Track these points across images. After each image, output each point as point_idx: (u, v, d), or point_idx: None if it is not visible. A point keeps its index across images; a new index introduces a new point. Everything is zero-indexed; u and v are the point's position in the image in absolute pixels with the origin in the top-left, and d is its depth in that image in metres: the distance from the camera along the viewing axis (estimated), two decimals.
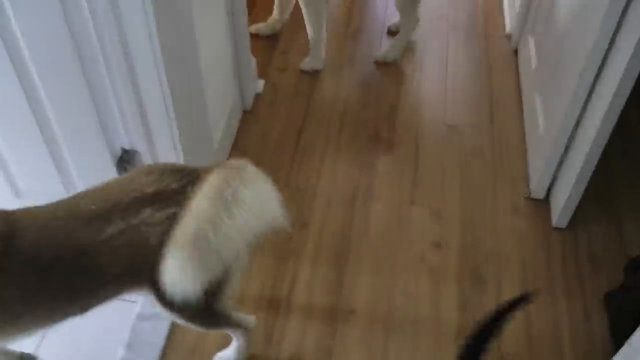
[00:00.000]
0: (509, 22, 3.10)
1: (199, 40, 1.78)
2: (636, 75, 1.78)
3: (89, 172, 1.83)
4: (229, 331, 1.72)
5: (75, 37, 1.51)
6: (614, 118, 1.90)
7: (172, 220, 1.29)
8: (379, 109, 2.70)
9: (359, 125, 2.61)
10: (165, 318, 1.60)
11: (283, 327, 1.93)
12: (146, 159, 1.85)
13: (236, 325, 1.68)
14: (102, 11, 1.45)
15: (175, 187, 1.34)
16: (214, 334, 1.88)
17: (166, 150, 1.83)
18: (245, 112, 2.62)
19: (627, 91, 1.82)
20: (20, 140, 1.76)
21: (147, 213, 1.31)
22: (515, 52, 2.97)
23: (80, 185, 1.84)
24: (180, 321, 1.52)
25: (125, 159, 1.84)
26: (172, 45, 1.60)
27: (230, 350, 1.79)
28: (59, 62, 1.56)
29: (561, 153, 2.18)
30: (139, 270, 1.36)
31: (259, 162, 2.35)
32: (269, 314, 1.96)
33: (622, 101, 1.85)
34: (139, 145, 1.81)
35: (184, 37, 1.68)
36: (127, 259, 1.34)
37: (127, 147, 1.82)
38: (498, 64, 2.93)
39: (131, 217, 1.31)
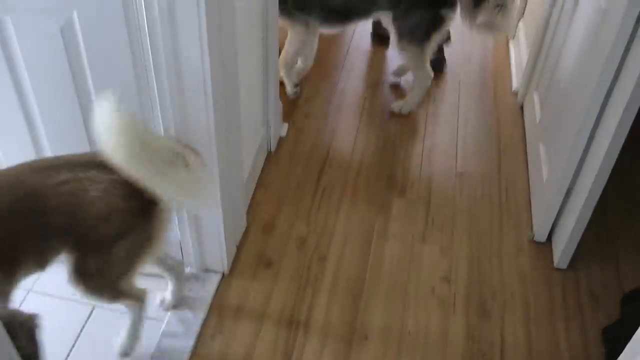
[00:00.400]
0: (516, 80, 3.34)
1: (240, 81, 2.01)
2: (629, 127, 1.98)
3: None
4: (125, 305, 1.90)
5: (136, 61, 1.72)
6: (610, 166, 2.08)
7: (114, 183, 1.56)
8: (394, 155, 2.90)
9: (376, 170, 2.81)
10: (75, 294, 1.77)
11: (302, 347, 2.08)
12: None
13: (135, 298, 1.88)
14: (162, 50, 1.67)
15: None
16: (238, 353, 2.03)
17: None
18: (269, 153, 2.83)
19: (621, 141, 2.01)
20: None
21: (93, 173, 1.57)
22: (521, 107, 3.20)
23: None
24: (84, 293, 1.73)
25: None
26: (219, 78, 1.80)
27: (124, 332, 1.97)
28: (118, 76, 1.77)
29: (562, 199, 2.36)
30: (75, 221, 1.59)
31: (281, 199, 2.57)
32: (288, 334, 2.11)
33: (616, 150, 2.04)
34: None
35: (228, 74, 1.90)
36: (69, 206, 1.56)
37: None
38: (505, 118, 3.15)
39: (79, 172, 1.57)
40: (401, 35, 2.94)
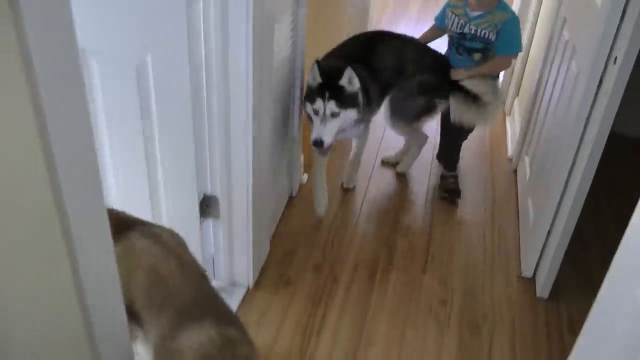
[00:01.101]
0: (511, 148, 3.78)
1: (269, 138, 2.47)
2: (593, 172, 2.38)
3: (176, 213, 2.39)
4: None
5: (193, 95, 2.15)
6: (578, 209, 2.49)
7: None
8: (399, 204, 3.30)
9: (383, 214, 3.20)
10: None
11: (313, 351, 2.40)
12: (222, 206, 2.42)
13: None
14: (214, 79, 2.12)
15: None
16: None
17: (239, 201, 2.41)
18: (291, 197, 3.24)
19: (587, 184, 2.42)
20: (128, 175, 2.25)
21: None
22: (515, 171, 3.61)
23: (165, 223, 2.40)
24: None
25: (206, 203, 2.42)
26: (256, 136, 2.25)
27: None
28: (177, 112, 2.13)
29: (544, 239, 2.71)
30: None
31: (299, 234, 2.95)
32: (303, 340, 2.43)
33: (582, 198, 2.45)
34: (220, 192, 2.40)
35: (261, 132, 2.35)
36: None
37: (209, 193, 2.41)
38: (501, 180, 3.56)
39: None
40: (393, 113, 3.15)
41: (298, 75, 2.91)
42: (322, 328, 2.49)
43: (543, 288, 2.71)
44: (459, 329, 2.55)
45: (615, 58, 2.15)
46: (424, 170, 3.62)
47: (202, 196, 2.40)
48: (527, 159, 3.34)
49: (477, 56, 3.08)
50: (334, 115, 2.71)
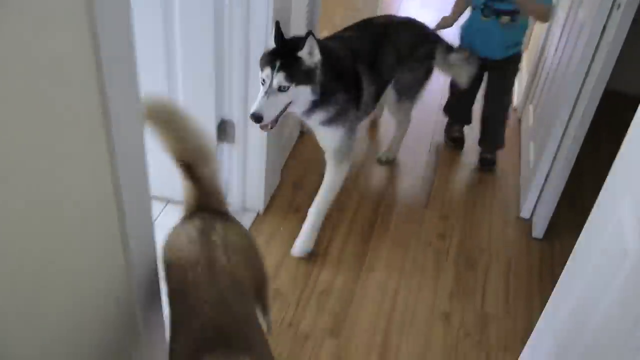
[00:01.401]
0: (516, 99, 3.87)
1: None
2: (592, 115, 2.50)
3: None
4: None
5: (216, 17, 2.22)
6: (574, 154, 2.62)
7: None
8: (405, 149, 3.42)
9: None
10: None
11: (318, 273, 2.53)
12: (238, 131, 2.53)
13: None
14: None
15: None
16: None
17: (255, 127, 2.49)
18: (302, 132, 3.34)
19: (582, 133, 2.54)
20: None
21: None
22: (519, 120, 3.71)
23: None
24: None
25: (222, 127, 2.53)
26: None
27: None
28: (200, 33, 2.23)
29: (542, 182, 2.83)
30: None
31: (308, 167, 3.02)
32: (308, 263, 2.57)
33: (579, 141, 2.57)
34: (236, 118, 2.50)
35: None
36: None
37: (226, 118, 2.52)
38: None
39: None
40: (400, 98, 2.98)
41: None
42: (326, 253, 2.63)
43: (539, 228, 2.84)
44: (456, 263, 2.68)
45: (619, 5, 2.23)
46: (430, 120, 3.72)
47: (219, 120, 2.50)
48: (531, 108, 3.44)
49: (505, 19, 2.97)
50: (281, 89, 2.22)
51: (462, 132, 3.49)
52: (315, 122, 2.44)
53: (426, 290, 2.52)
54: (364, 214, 2.88)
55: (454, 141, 3.47)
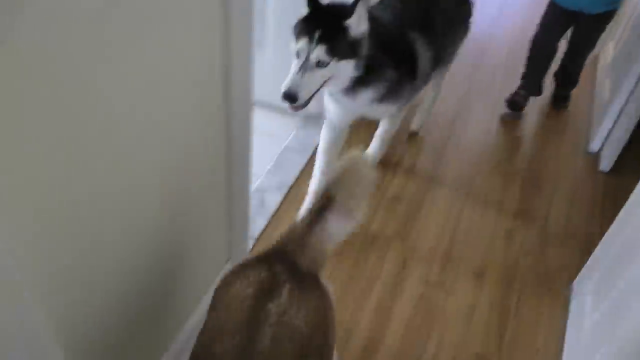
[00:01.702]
0: None
1: None
2: None
3: None
4: None
5: None
6: None
7: None
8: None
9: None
10: None
11: (391, 179, 2.70)
12: None
13: None
14: None
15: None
16: None
17: None
18: None
19: None
20: None
21: None
22: (596, 57, 3.72)
23: None
24: None
25: None
26: None
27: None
28: None
29: (615, 117, 2.90)
30: None
31: None
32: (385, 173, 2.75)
33: None
34: None
35: None
36: None
37: None
38: None
39: None
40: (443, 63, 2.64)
41: None
42: (398, 164, 2.81)
43: (606, 162, 2.92)
44: (522, 185, 2.81)
45: None
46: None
47: None
48: (611, 45, 3.44)
49: None
50: (320, 64, 1.91)
51: (525, 102, 3.30)
52: (362, 102, 2.14)
53: (492, 208, 2.67)
54: (436, 134, 3.03)
55: (513, 104, 3.26)
